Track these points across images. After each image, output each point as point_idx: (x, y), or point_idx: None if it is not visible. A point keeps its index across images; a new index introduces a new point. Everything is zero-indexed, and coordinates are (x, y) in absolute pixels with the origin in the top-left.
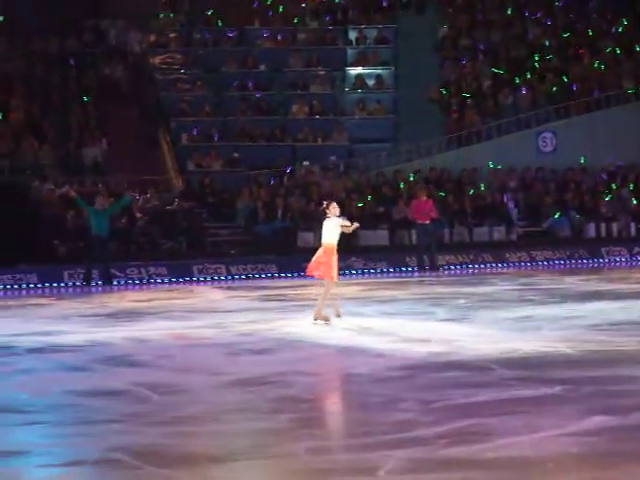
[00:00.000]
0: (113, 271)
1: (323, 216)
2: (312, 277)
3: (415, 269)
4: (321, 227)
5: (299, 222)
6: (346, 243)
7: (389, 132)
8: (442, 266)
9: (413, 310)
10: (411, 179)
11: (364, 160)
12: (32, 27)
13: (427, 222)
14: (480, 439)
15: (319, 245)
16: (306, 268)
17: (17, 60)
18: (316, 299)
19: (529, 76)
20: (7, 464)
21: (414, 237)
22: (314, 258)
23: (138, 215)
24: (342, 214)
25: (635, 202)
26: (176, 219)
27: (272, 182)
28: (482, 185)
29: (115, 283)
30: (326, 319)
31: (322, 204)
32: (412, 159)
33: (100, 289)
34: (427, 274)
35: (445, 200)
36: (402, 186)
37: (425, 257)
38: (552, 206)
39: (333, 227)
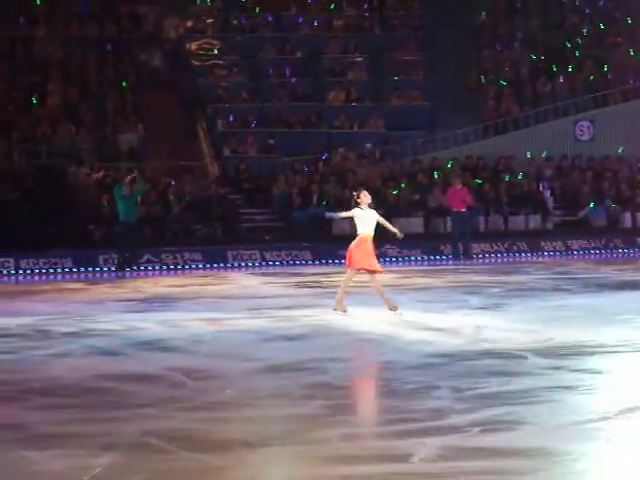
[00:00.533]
0: (148, 256)
1: (355, 205)
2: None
3: (449, 257)
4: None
5: (335, 209)
6: (381, 230)
7: (425, 119)
8: (476, 254)
9: (447, 298)
10: (447, 166)
11: (400, 147)
12: (70, 12)
13: (463, 210)
14: (512, 427)
15: (355, 235)
16: (344, 258)
17: (55, 45)
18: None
19: (567, 64)
20: (41, 448)
21: (449, 225)
22: (355, 250)
23: (172, 200)
24: (376, 202)
25: None
26: (211, 205)
27: (307, 169)
28: (519, 174)
29: (150, 268)
30: (344, 310)
31: (353, 194)
32: (448, 147)
33: (134, 274)
34: (461, 262)
35: (481, 188)
36: (438, 174)
37: (460, 245)
38: (588, 195)
39: (367, 218)
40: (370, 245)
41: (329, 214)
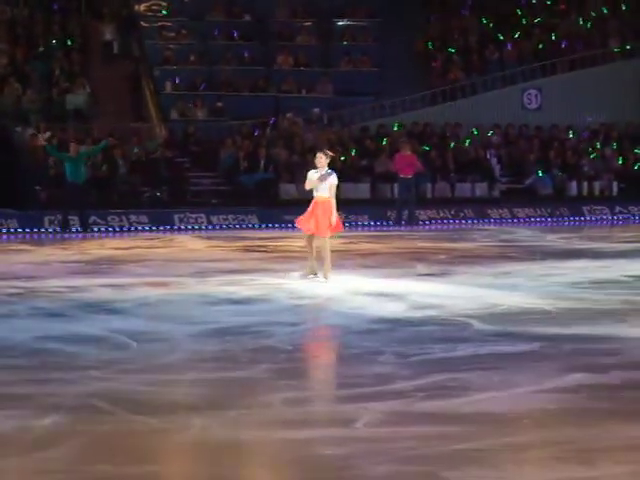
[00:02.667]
0: (94, 218)
1: (310, 167)
2: (302, 230)
3: (392, 224)
4: (304, 179)
5: (281, 173)
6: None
7: (374, 85)
8: (423, 221)
9: (393, 264)
10: (395, 130)
11: (348, 112)
12: None
13: (409, 176)
14: (458, 394)
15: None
16: (295, 220)
17: (1, 5)
18: (302, 251)
19: (516, 32)
20: None
21: (396, 191)
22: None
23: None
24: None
25: (619, 161)
26: (158, 168)
27: (256, 132)
28: (466, 140)
29: (95, 230)
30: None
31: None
32: (396, 113)
33: (80, 236)
34: (403, 228)
35: (428, 155)
36: (386, 140)
37: (404, 211)
38: (535, 164)
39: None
40: (320, 208)
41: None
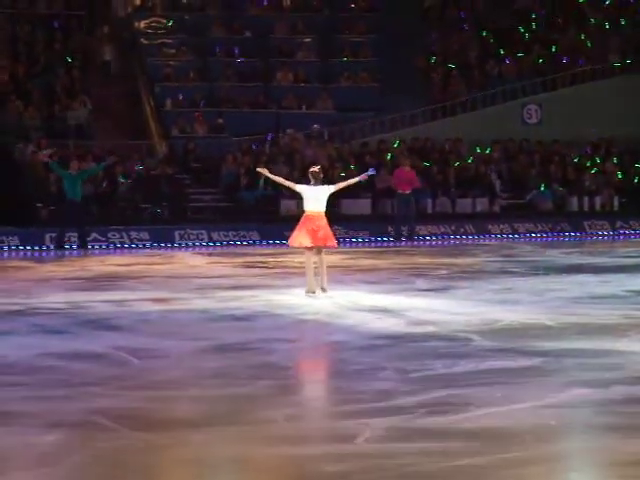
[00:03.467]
0: (94, 235)
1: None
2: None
3: (392, 239)
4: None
5: (282, 190)
6: (328, 211)
7: (374, 101)
8: (423, 237)
9: (394, 280)
10: (395, 146)
11: (348, 128)
12: None
13: (407, 192)
14: (458, 409)
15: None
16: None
17: (3, 21)
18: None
19: (516, 47)
20: None
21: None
22: (304, 229)
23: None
24: (324, 183)
25: (619, 176)
26: (159, 184)
27: (256, 147)
28: (467, 157)
29: (96, 247)
30: (313, 291)
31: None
32: (396, 128)
33: (80, 253)
34: (405, 244)
35: (429, 170)
36: (386, 156)
37: (403, 228)
38: (536, 178)
39: (313, 194)
40: (312, 222)
41: (261, 171)
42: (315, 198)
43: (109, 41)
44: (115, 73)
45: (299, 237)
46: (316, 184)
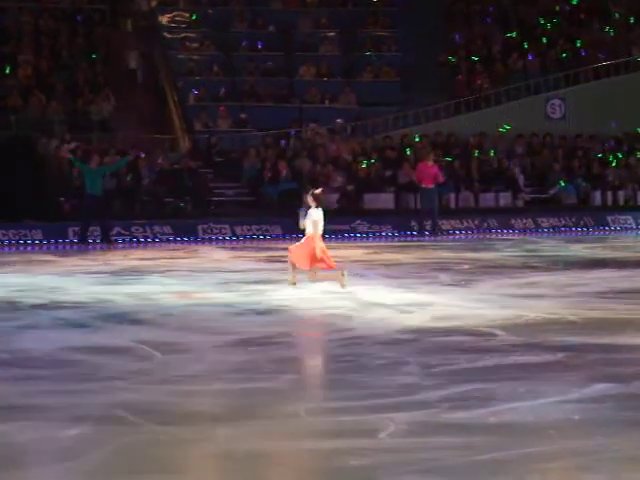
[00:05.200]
0: (118, 229)
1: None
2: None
3: (415, 233)
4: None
5: (305, 184)
6: (352, 206)
7: (397, 95)
8: (446, 231)
9: (417, 275)
10: (416, 140)
11: (371, 123)
12: None
13: (431, 186)
14: (482, 404)
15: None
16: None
17: (27, 16)
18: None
19: (539, 41)
20: (9, 419)
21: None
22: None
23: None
24: (347, 178)
25: None
26: (182, 178)
27: (280, 143)
28: (490, 151)
29: (120, 241)
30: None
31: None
32: (420, 123)
33: (104, 247)
34: (429, 239)
35: (452, 165)
36: (408, 151)
37: (426, 222)
38: (559, 173)
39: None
40: (310, 243)
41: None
42: (320, 220)
43: (133, 43)
44: (141, 82)
45: (302, 258)
46: (315, 208)
